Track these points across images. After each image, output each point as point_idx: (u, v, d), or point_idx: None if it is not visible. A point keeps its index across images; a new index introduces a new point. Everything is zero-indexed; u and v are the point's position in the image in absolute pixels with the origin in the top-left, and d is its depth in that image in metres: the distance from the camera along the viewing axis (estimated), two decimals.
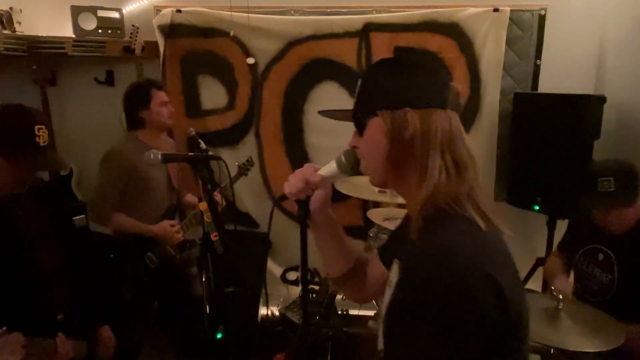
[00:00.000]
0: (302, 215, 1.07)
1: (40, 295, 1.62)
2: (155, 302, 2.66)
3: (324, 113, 1.10)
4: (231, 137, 3.22)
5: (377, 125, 0.90)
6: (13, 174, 1.52)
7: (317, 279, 3.12)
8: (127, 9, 3.09)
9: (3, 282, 1.51)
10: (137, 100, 2.43)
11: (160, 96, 2.45)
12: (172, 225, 2.45)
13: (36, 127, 1.52)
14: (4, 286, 1.50)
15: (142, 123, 2.43)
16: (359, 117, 0.95)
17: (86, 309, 1.82)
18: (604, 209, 1.90)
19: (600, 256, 2.03)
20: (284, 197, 1.07)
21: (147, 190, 2.44)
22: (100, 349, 1.80)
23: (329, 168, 1.05)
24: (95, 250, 2.65)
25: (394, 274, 0.95)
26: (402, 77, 0.90)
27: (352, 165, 1.02)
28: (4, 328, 1.40)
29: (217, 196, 2.42)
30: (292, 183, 1.05)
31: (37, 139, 1.52)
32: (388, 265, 1.07)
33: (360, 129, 0.95)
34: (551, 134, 2.56)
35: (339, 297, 2.57)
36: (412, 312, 0.76)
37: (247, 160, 2.78)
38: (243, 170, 2.76)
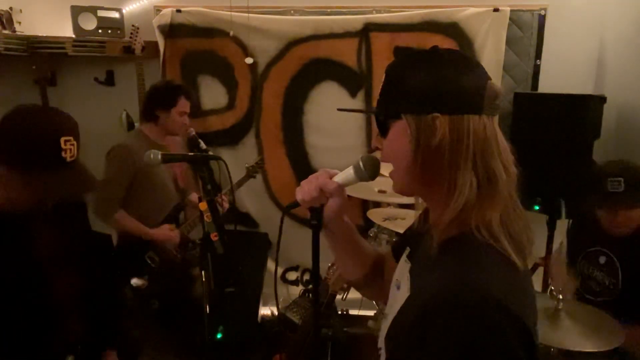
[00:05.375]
0: (316, 225, 0.97)
1: (52, 331, 1.39)
2: (156, 302, 2.66)
3: (344, 110, 1.00)
4: (231, 137, 3.22)
5: (400, 129, 0.81)
6: (30, 191, 1.27)
7: None
8: (127, 9, 3.09)
9: (11, 315, 1.28)
10: (161, 99, 2.40)
11: (184, 105, 2.43)
12: (172, 229, 2.45)
13: (63, 139, 1.25)
14: (11, 321, 1.29)
15: (155, 120, 2.41)
16: (382, 119, 0.86)
17: (96, 339, 1.61)
18: (613, 209, 1.88)
19: (602, 259, 2.01)
20: (295, 204, 0.98)
21: (152, 188, 2.42)
22: None
23: (346, 175, 0.95)
24: (96, 250, 2.65)
25: (402, 276, 0.91)
26: (431, 77, 0.78)
27: (371, 172, 0.92)
28: None
29: (224, 200, 2.42)
30: (306, 190, 0.95)
31: (63, 153, 1.24)
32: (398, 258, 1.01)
33: (383, 130, 0.86)
34: (551, 134, 2.56)
35: (339, 297, 2.57)
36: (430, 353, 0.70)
37: (257, 162, 2.72)
38: (252, 172, 2.71)
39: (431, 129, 0.77)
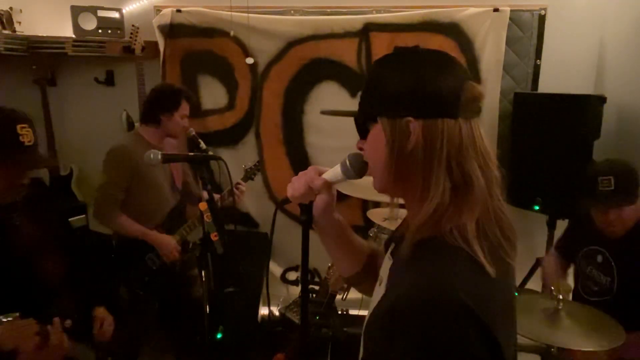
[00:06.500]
0: (305, 220, 1.00)
1: (46, 305, 1.56)
2: (156, 302, 2.66)
3: (327, 112, 1.02)
4: (231, 137, 3.22)
5: (378, 132, 0.81)
6: (2, 179, 1.46)
7: (317, 279, 3.12)
8: (127, 9, 3.09)
9: (5, 296, 1.45)
10: (164, 102, 2.40)
11: (185, 108, 2.44)
12: (175, 243, 2.44)
13: (19, 127, 1.47)
14: (6, 300, 1.45)
15: (157, 123, 2.41)
16: (361, 121, 0.87)
17: (85, 301, 1.77)
18: (604, 207, 1.90)
19: (599, 258, 2.03)
20: (286, 201, 1.01)
21: (151, 189, 2.42)
22: (96, 329, 1.74)
23: (334, 172, 0.97)
24: (95, 250, 2.65)
25: (384, 273, 0.92)
26: (406, 80, 0.79)
27: (357, 170, 0.93)
28: (17, 314, 1.36)
29: (242, 185, 2.60)
30: (295, 187, 0.98)
31: (21, 138, 1.47)
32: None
33: (362, 132, 0.87)
34: (551, 134, 2.56)
35: (339, 297, 2.57)
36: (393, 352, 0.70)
37: (255, 165, 2.74)
38: (250, 174, 2.72)
39: (405, 133, 0.77)
